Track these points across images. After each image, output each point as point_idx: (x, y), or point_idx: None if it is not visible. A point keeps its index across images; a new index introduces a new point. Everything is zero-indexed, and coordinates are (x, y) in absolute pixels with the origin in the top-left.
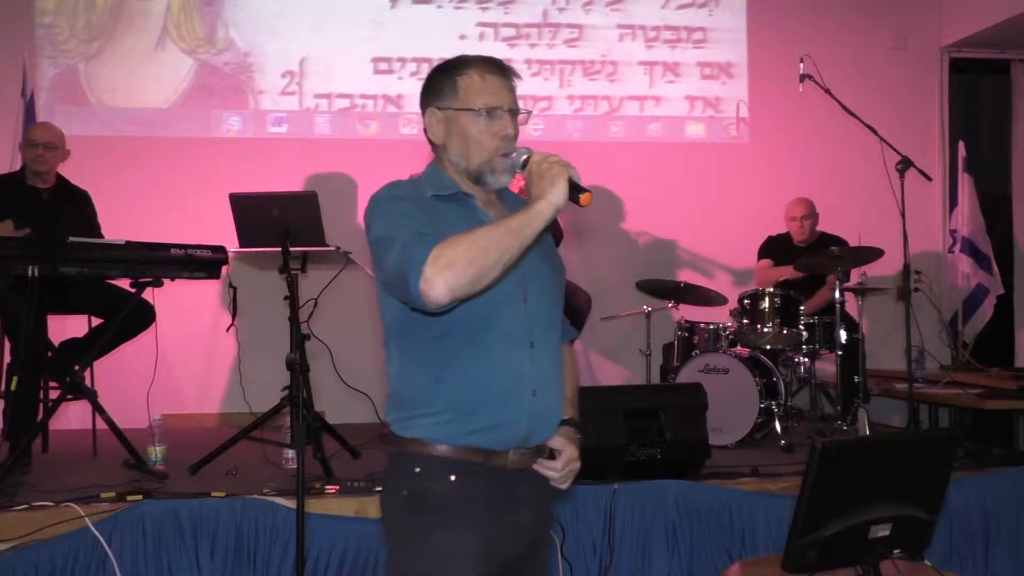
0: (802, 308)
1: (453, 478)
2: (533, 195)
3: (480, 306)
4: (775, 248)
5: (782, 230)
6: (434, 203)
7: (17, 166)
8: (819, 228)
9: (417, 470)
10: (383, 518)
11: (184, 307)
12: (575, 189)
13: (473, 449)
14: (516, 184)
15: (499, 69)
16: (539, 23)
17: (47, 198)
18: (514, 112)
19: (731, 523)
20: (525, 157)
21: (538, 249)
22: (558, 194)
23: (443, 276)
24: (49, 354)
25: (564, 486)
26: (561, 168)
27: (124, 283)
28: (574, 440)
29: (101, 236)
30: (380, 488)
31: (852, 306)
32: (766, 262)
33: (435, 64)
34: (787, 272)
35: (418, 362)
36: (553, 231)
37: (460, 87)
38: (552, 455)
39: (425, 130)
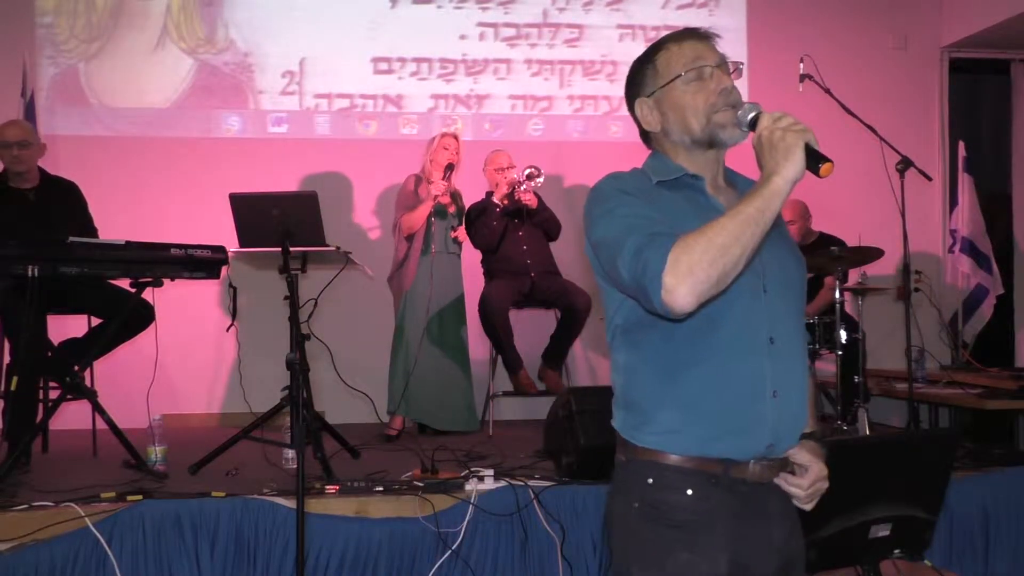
0: None
1: (690, 492)
2: (765, 168)
3: (715, 299)
4: None
5: None
6: (660, 191)
7: None
8: (819, 228)
9: (650, 481)
10: (612, 528)
11: (184, 307)
12: (813, 158)
13: (711, 460)
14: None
15: (694, 34)
16: (539, 23)
17: (34, 198)
18: (723, 66)
19: None
20: (753, 115)
21: (773, 232)
22: (795, 168)
23: (686, 283)
24: (49, 354)
25: (808, 507)
26: (796, 135)
27: (124, 283)
28: (821, 456)
29: (94, 228)
30: (608, 496)
31: (852, 306)
32: None
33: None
34: None
35: (647, 363)
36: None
37: (659, 65)
38: (795, 470)
39: (640, 129)
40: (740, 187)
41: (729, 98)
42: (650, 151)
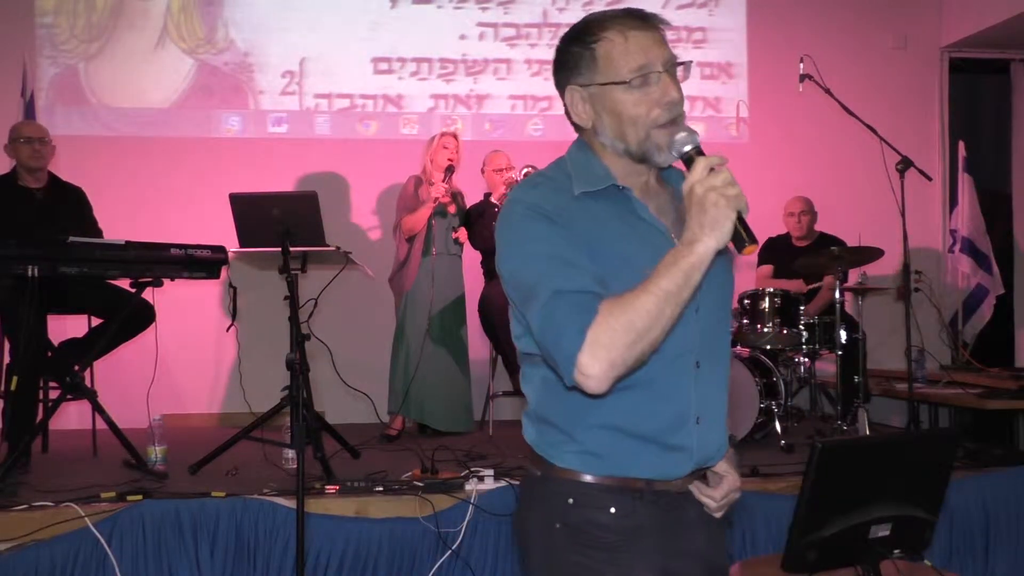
0: (803, 309)
1: (613, 510)
2: (690, 230)
3: None
4: (775, 250)
5: (782, 230)
6: (583, 202)
7: None
8: (819, 228)
9: (571, 501)
10: (528, 547)
11: (184, 307)
12: (740, 235)
13: (630, 478)
14: None
15: (642, 20)
16: (539, 23)
17: (41, 198)
18: (671, 69)
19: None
20: (689, 149)
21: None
22: (720, 239)
23: (602, 368)
24: (49, 354)
25: (719, 515)
26: (729, 203)
27: (124, 283)
28: (735, 464)
29: (99, 232)
30: (518, 504)
31: (852, 306)
32: (767, 269)
33: (564, 34)
34: (795, 286)
35: (564, 385)
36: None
37: (600, 56)
38: (708, 479)
39: (567, 112)
40: (674, 184)
41: (673, 111)
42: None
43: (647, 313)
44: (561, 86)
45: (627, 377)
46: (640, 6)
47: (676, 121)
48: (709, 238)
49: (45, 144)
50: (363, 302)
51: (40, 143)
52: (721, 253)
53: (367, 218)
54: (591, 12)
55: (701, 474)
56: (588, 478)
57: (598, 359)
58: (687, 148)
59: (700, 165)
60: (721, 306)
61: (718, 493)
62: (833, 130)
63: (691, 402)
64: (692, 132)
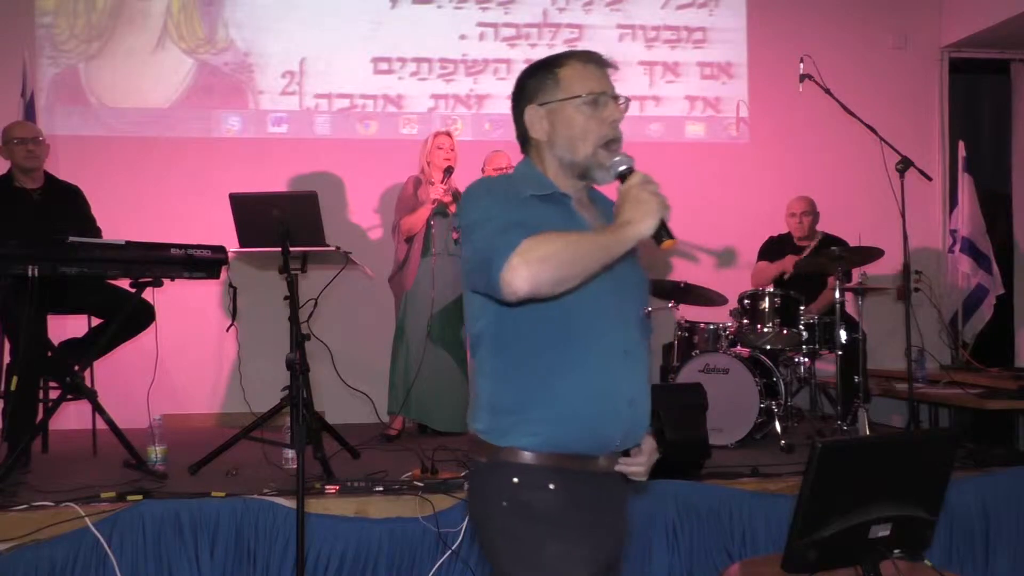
0: (802, 309)
1: (552, 487)
2: (624, 216)
3: (581, 315)
4: (776, 249)
5: (782, 230)
6: (532, 202)
7: None
8: (820, 228)
9: (515, 480)
10: (483, 530)
11: (184, 307)
12: (663, 231)
13: (569, 456)
14: None
15: (598, 60)
16: (539, 23)
17: (37, 198)
18: (617, 99)
19: (731, 523)
20: (625, 168)
21: (630, 256)
22: (648, 228)
23: (531, 268)
24: (49, 354)
25: (645, 479)
26: (659, 203)
27: (124, 283)
28: (650, 431)
29: (98, 230)
30: (470, 497)
31: (852, 306)
32: (763, 264)
33: (524, 69)
34: (786, 264)
35: (515, 372)
36: None
37: (562, 78)
38: (628, 452)
39: (523, 131)
40: (600, 205)
41: (616, 131)
42: (523, 156)
43: (580, 248)
44: (521, 107)
45: (548, 299)
46: (640, 6)
47: (617, 142)
48: (640, 223)
49: (39, 144)
50: (363, 302)
51: (34, 143)
52: (636, 260)
53: (367, 218)
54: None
55: (625, 451)
56: (530, 458)
57: (529, 260)
58: (623, 168)
59: (638, 175)
60: (639, 303)
61: (643, 458)
62: (833, 130)
63: (624, 386)
64: (629, 156)
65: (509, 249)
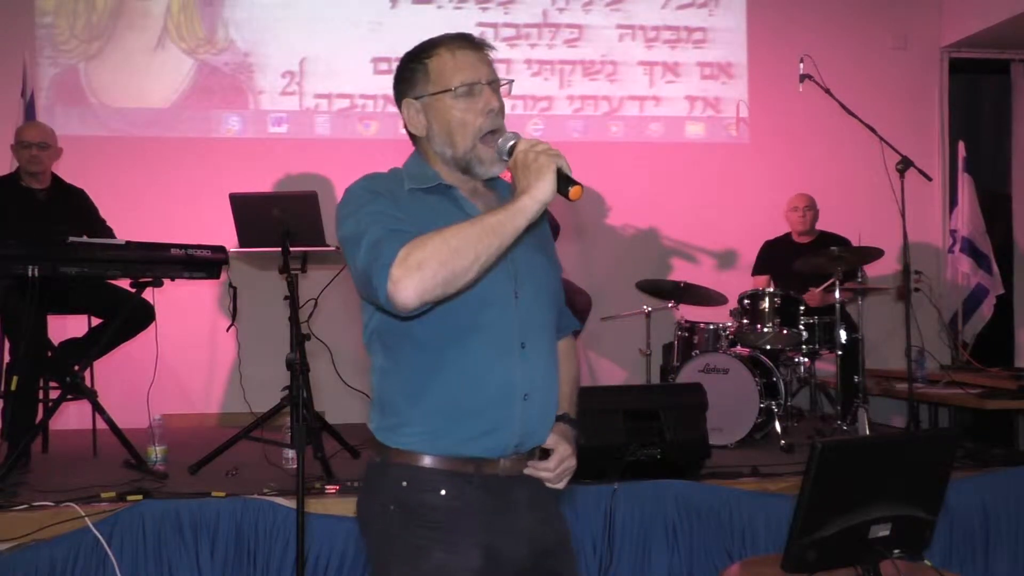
0: (802, 309)
1: (443, 492)
2: (518, 188)
3: (466, 306)
4: (774, 253)
5: (781, 231)
6: (414, 196)
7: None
8: (820, 228)
9: (404, 483)
10: (367, 531)
11: (184, 307)
12: (564, 181)
13: (463, 459)
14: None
15: (469, 43)
16: (539, 23)
17: (43, 198)
18: (494, 84)
19: (731, 523)
20: (512, 143)
21: (531, 242)
22: (544, 188)
23: (412, 278)
24: (49, 354)
25: (560, 486)
26: (548, 158)
27: (124, 283)
28: (568, 437)
29: (109, 230)
30: (359, 492)
31: (852, 306)
32: (763, 279)
33: (403, 54)
34: (809, 299)
35: (402, 367)
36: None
37: (432, 70)
38: (543, 455)
39: (405, 126)
40: (500, 191)
41: (495, 121)
42: (413, 149)
43: (462, 237)
44: (399, 100)
45: (440, 302)
46: (640, 6)
47: (498, 132)
48: (534, 188)
49: (44, 149)
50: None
51: (39, 148)
52: (540, 245)
53: None
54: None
55: (533, 453)
56: (421, 461)
57: (408, 268)
58: (511, 142)
59: (523, 143)
60: (542, 291)
61: (552, 463)
62: (833, 130)
63: (517, 380)
64: (513, 133)
65: (387, 262)
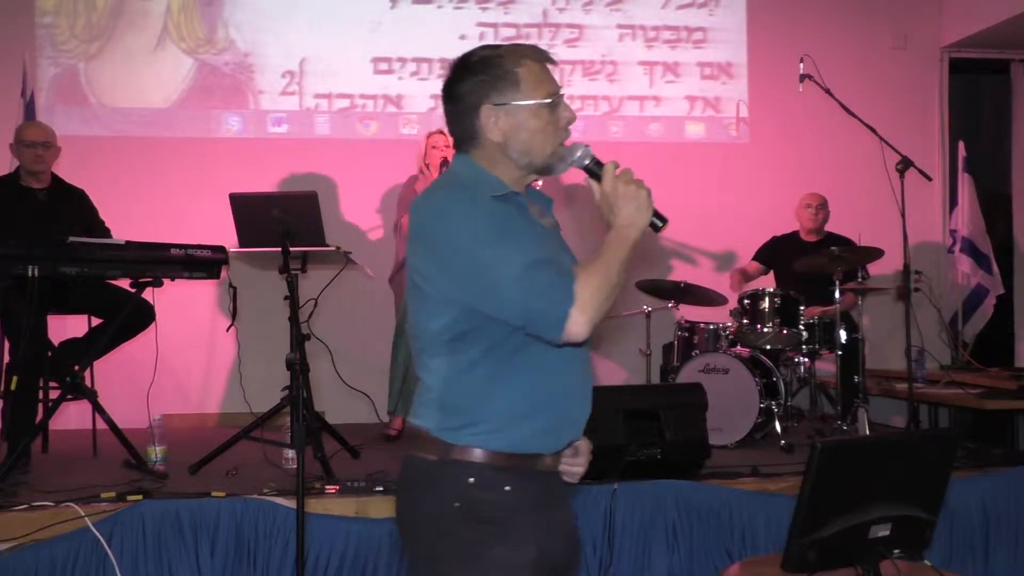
0: (802, 309)
1: (508, 488)
2: (619, 220)
3: None
4: (780, 248)
5: (782, 230)
6: (495, 204)
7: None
8: (827, 229)
9: (471, 480)
10: (420, 530)
11: (184, 307)
12: (655, 217)
13: (524, 456)
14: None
15: (546, 55)
16: (539, 23)
17: (43, 198)
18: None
19: (731, 523)
20: (589, 161)
21: (565, 245)
22: (645, 223)
23: (591, 318)
24: (49, 354)
25: (575, 481)
26: (645, 193)
27: (124, 283)
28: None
29: (107, 230)
30: (403, 492)
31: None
32: (756, 265)
33: (467, 58)
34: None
35: (473, 370)
36: None
37: (523, 79)
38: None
39: (470, 128)
40: (534, 200)
41: (568, 133)
42: (459, 155)
43: (616, 273)
44: (476, 105)
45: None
46: (640, 6)
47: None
48: (639, 222)
49: (47, 148)
50: (363, 302)
51: (43, 147)
52: (567, 248)
53: (367, 218)
54: (516, 43)
55: (566, 449)
56: (486, 458)
57: (587, 310)
58: (587, 161)
59: (610, 168)
60: None
61: (583, 459)
62: (833, 130)
63: (579, 381)
64: (586, 145)
65: (565, 305)
